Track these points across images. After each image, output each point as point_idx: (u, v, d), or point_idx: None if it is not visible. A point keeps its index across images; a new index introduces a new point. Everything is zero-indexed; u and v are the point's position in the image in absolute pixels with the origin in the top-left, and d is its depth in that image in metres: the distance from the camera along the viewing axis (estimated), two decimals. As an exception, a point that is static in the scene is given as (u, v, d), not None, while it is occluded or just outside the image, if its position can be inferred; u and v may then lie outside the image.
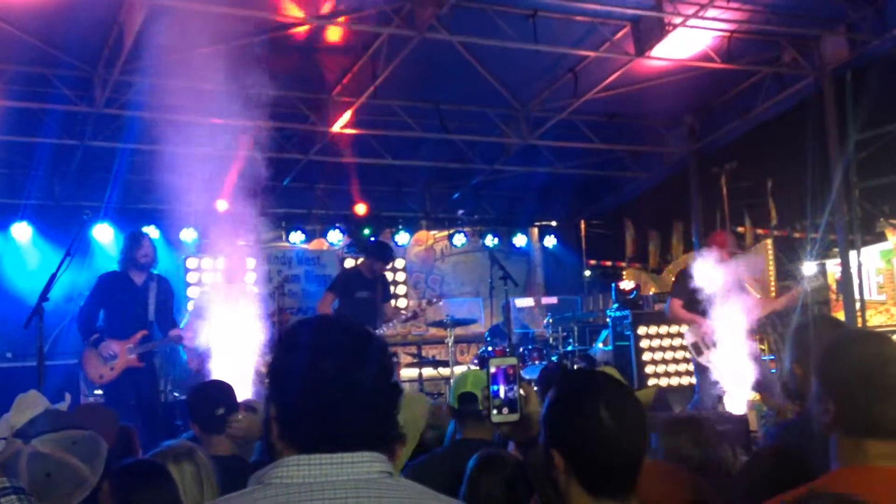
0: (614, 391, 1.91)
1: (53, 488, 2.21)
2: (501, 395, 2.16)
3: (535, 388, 4.71)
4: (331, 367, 1.54)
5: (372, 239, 11.47)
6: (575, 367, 9.68)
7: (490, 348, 9.82)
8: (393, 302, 10.25)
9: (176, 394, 8.67)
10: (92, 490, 2.27)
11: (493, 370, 2.17)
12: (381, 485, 1.51)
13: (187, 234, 11.05)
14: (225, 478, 3.06)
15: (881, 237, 10.06)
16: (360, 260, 8.56)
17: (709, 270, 7.42)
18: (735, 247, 7.85)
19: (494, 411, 2.16)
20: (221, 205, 10.76)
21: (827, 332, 2.93)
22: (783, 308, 8.17)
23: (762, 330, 9.34)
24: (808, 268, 8.96)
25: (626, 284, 10.81)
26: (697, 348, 7.34)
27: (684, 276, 7.78)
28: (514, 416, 2.16)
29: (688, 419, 3.54)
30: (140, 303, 7.09)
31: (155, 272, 7.30)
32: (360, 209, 11.94)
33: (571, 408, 1.90)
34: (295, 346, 1.61)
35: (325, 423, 1.53)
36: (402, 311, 9.46)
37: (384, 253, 8.40)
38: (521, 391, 2.17)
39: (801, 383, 2.98)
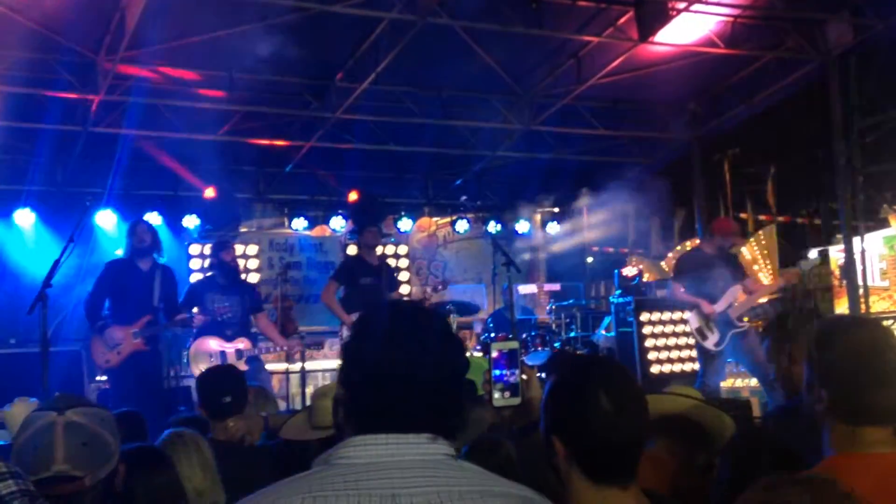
0: (615, 377, 1.91)
1: (88, 458, 2.22)
2: (503, 378, 2.16)
3: (542, 375, 4.73)
4: (399, 355, 1.57)
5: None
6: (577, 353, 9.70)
7: (492, 335, 9.83)
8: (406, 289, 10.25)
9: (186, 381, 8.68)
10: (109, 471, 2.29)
11: (494, 354, 2.16)
12: (447, 465, 1.53)
13: (190, 221, 11.06)
14: (233, 463, 3.07)
15: (884, 223, 10.05)
16: (358, 248, 8.54)
17: (710, 256, 7.46)
18: (738, 233, 7.87)
19: (496, 395, 2.15)
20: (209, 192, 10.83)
21: (809, 324, 2.94)
22: (778, 290, 8.21)
23: (765, 315, 9.36)
24: (811, 253, 8.97)
25: (629, 271, 10.81)
26: (702, 333, 7.36)
27: (686, 259, 7.80)
28: (516, 400, 2.15)
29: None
30: (146, 289, 7.14)
31: (161, 261, 7.34)
32: (352, 196, 11.89)
33: (571, 394, 1.90)
34: (365, 333, 1.63)
35: (391, 408, 1.54)
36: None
37: (358, 227, 8.44)
38: (523, 375, 2.17)
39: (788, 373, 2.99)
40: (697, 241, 8.90)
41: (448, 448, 1.56)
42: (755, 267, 10.82)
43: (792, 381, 2.98)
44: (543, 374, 4.76)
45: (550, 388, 1.95)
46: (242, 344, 7.52)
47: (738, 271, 7.62)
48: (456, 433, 1.60)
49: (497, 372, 2.16)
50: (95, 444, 2.24)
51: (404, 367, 1.56)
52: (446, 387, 1.60)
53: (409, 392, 1.55)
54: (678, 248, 11.66)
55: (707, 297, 7.34)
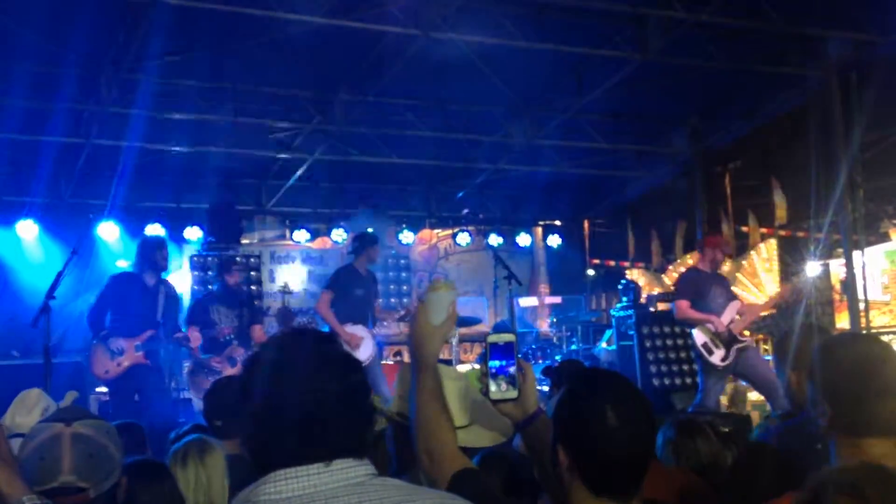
0: (622, 392, 1.92)
1: (94, 470, 2.22)
2: (504, 370, 2.11)
3: (548, 382, 4.72)
4: (296, 385, 1.56)
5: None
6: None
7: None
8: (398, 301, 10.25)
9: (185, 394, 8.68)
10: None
11: (491, 346, 2.13)
12: (370, 486, 1.54)
13: (192, 233, 11.08)
14: (231, 476, 3.06)
15: (885, 237, 10.06)
16: (355, 258, 8.46)
17: (707, 274, 7.53)
18: (729, 246, 7.93)
19: (493, 388, 2.11)
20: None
21: (811, 339, 2.98)
22: (769, 307, 8.25)
23: (767, 331, 9.37)
24: (811, 268, 8.97)
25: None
26: (708, 349, 7.35)
27: (685, 278, 7.84)
28: (513, 393, 2.11)
29: (702, 423, 3.53)
30: (150, 304, 7.24)
31: (164, 276, 7.44)
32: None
33: (578, 406, 1.91)
34: (259, 368, 1.62)
35: (295, 442, 1.54)
36: (396, 312, 9.35)
37: (365, 240, 8.42)
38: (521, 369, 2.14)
39: (796, 389, 3.03)
40: (695, 258, 8.92)
41: (368, 468, 1.57)
42: (756, 281, 10.82)
43: (796, 396, 3.03)
44: (548, 382, 4.76)
45: (560, 398, 1.96)
46: (236, 353, 7.57)
47: (730, 291, 7.76)
48: (364, 451, 1.61)
49: (496, 363, 2.11)
50: (101, 457, 2.25)
51: (296, 401, 1.55)
52: (342, 412, 1.58)
53: (308, 425, 1.54)
54: (679, 261, 11.67)
55: (711, 314, 7.39)
